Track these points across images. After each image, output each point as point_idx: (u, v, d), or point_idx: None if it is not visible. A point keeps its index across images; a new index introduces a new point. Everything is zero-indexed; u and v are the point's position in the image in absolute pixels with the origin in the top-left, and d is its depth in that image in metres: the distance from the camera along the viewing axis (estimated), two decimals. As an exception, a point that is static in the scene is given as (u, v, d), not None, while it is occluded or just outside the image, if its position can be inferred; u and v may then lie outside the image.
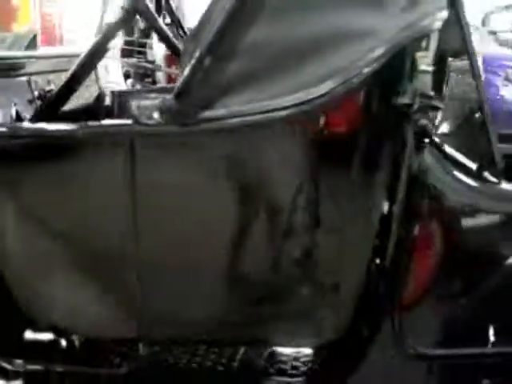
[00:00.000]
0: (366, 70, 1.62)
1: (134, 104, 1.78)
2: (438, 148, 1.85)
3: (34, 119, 2.15)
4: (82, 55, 2.16)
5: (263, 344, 2.06)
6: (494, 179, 1.82)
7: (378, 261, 1.91)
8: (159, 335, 1.98)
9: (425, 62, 1.82)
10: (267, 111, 1.67)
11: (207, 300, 1.90)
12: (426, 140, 1.82)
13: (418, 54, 1.77)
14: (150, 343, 2.07)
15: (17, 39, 3.73)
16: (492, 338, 1.88)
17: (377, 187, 1.84)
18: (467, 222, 1.88)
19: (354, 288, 1.89)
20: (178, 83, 1.71)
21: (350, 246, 1.85)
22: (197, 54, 1.67)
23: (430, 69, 1.74)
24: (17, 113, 2.32)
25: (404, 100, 1.72)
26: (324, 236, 1.84)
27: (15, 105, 2.32)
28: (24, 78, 2.50)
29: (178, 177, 1.80)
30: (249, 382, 2.09)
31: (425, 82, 1.73)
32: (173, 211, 1.83)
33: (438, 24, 1.63)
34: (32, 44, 3.57)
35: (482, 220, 1.88)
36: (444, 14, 1.63)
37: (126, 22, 2.31)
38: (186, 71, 1.69)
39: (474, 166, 1.84)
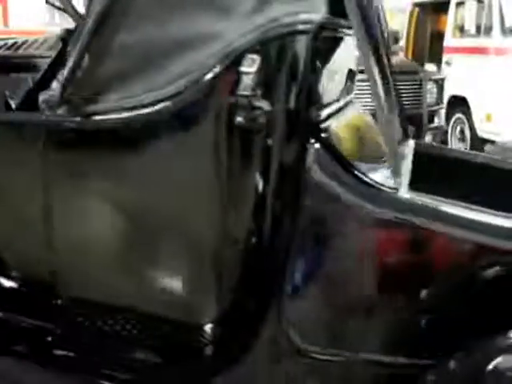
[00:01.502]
0: (215, 70, 1.80)
1: (41, 95, 1.98)
2: (328, 149, 1.86)
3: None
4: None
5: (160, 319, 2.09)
6: (389, 185, 1.85)
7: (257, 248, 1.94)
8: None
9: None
10: (131, 108, 1.90)
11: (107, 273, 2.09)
12: (312, 139, 1.85)
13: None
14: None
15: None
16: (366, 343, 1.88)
17: (247, 178, 1.90)
18: (344, 222, 1.89)
19: (233, 271, 1.95)
20: (62, 77, 1.92)
21: (224, 231, 1.95)
22: (76, 51, 1.89)
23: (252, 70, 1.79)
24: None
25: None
26: (201, 221, 1.96)
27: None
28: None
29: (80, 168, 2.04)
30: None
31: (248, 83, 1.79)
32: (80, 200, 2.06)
33: (287, 28, 1.77)
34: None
35: (358, 221, 1.87)
36: (296, 18, 1.76)
37: None
38: (68, 67, 1.90)
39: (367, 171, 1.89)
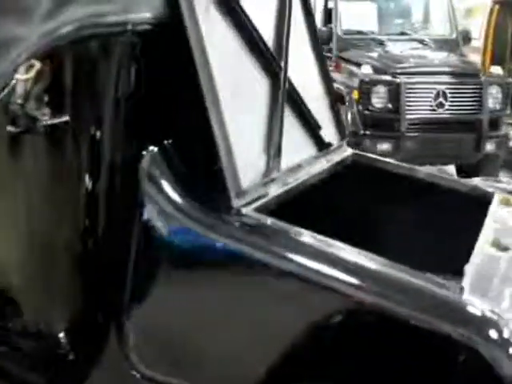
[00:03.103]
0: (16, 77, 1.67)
1: None
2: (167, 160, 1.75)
3: None
4: None
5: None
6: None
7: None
8: None
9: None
10: None
11: None
12: (152, 147, 1.74)
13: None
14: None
15: None
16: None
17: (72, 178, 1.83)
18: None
19: (76, 281, 1.88)
20: None
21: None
22: None
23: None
24: None
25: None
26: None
27: None
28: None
29: None
30: None
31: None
32: None
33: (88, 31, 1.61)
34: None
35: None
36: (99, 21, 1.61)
37: None
38: None
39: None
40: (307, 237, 1.66)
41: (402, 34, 7.02)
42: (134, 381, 1.81)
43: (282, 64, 2.08)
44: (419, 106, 6.16)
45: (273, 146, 1.95)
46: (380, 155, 6.35)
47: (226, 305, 1.67)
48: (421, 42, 6.90)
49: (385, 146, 6.24)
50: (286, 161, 2.01)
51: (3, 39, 1.61)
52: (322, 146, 2.27)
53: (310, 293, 1.54)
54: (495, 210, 2.13)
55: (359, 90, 6.23)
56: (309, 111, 2.20)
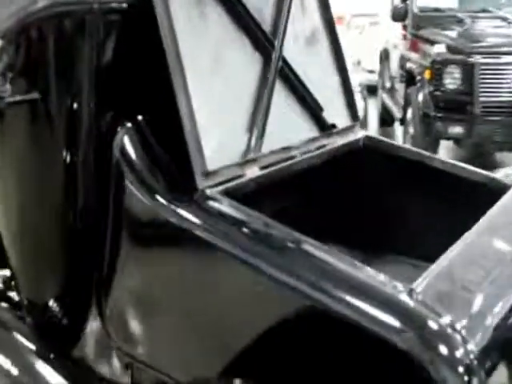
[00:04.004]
0: None
1: None
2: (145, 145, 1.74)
3: None
4: None
5: None
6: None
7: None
8: None
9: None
10: None
11: None
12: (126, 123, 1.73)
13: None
14: None
15: None
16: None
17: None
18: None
19: (53, 249, 1.92)
20: None
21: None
22: None
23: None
24: None
25: None
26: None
27: None
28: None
29: None
30: None
31: None
32: None
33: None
34: None
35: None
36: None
37: None
38: None
39: None
40: (262, 224, 1.59)
41: (484, 11, 6.63)
42: (116, 354, 1.84)
43: (276, 43, 2.00)
44: (495, 88, 5.82)
45: (256, 126, 1.88)
46: (451, 138, 6.21)
47: (176, 281, 1.67)
48: (504, 19, 6.50)
49: (456, 130, 5.96)
50: (272, 142, 1.93)
51: None
52: (323, 128, 2.16)
53: (250, 281, 1.49)
54: (506, 202, 1.96)
55: (431, 69, 5.96)
56: (308, 92, 2.10)
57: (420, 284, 1.39)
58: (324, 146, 2.16)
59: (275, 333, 1.44)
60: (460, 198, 2.12)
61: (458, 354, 1.25)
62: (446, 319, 1.31)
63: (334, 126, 2.20)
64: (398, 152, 2.29)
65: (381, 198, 2.27)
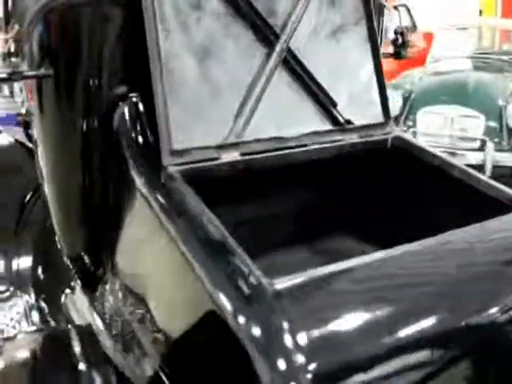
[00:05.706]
0: None
1: None
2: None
3: None
4: None
5: None
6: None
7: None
8: None
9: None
10: None
11: None
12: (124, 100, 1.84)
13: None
14: None
15: None
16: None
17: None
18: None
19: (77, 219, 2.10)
20: None
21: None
22: None
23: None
24: None
25: None
26: None
27: None
28: None
29: None
30: None
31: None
32: None
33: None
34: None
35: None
36: None
37: None
38: None
39: None
40: (192, 213, 1.58)
41: None
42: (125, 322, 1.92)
43: (282, 35, 1.98)
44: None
45: (243, 113, 1.90)
46: None
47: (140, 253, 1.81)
48: None
49: None
50: (266, 131, 1.93)
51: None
52: (336, 123, 2.10)
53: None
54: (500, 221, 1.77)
55: None
56: (318, 85, 2.05)
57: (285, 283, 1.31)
58: (336, 141, 2.10)
59: None
60: (472, 209, 1.96)
61: (290, 367, 1.15)
62: (291, 326, 1.21)
63: (349, 121, 2.14)
64: (424, 156, 2.16)
65: (388, 201, 2.18)
